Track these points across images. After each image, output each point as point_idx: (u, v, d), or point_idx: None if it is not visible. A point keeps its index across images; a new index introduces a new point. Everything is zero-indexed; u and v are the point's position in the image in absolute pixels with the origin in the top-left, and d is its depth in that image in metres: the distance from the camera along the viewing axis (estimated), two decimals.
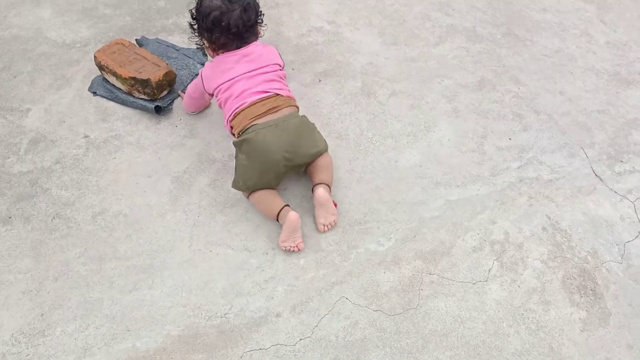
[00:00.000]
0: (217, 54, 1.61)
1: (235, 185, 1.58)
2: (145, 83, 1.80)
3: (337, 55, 2.13)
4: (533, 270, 1.51)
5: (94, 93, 1.91)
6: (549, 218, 1.64)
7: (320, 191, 1.53)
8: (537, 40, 2.27)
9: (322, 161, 1.61)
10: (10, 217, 1.58)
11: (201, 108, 1.85)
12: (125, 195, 1.64)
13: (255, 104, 1.54)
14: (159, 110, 1.83)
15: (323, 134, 1.81)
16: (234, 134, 1.61)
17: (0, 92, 1.92)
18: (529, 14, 2.40)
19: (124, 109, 1.88)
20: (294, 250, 1.52)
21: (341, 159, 1.76)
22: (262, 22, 1.63)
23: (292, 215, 1.48)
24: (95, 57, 1.88)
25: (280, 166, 1.52)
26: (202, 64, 2.01)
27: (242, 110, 1.55)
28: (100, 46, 2.10)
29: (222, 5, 1.51)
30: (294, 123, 1.54)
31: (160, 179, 1.69)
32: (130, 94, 1.86)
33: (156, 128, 1.83)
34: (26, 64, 2.03)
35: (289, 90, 1.62)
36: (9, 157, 1.73)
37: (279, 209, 1.52)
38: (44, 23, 2.20)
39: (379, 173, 1.73)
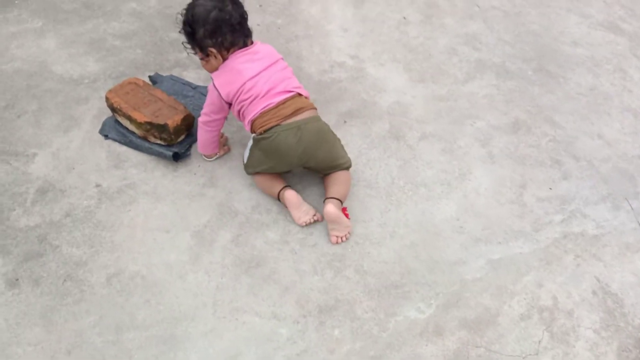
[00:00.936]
0: (225, 59, 1.59)
1: (246, 169, 1.69)
2: (162, 128, 1.71)
3: (362, 93, 2.05)
4: (586, 342, 1.43)
5: (106, 136, 1.82)
6: (598, 280, 1.56)
7: (329, 207, 1.53)
8: (570, 76, 2.20)
9: (338, 175, 1.64)
10: (17, 280, 1.48)
11: (217, 148, 1.76)
12: (142, 254, 1.55)
13: (281, 104, 1.56)
14: (177, 158, 1.74)
15: (351, 182, 1.73)
16: (253, 131, 1.61)
17: (3, 134, 1.83)
18: (560, 48, 2.34)
19: (138, 154, 1.78)
20: (314, 221, 1.60)
21: (372, 210, 1.68)
22: None
23: (289, 194, 1.59)
24: (107, 98, 1.79)
25: (294, 165, 1.62)
26: None
27: (270, 110, 1.56)
28: (110, 82, 2.01)
29: (217, 4, 1.52)
30: (316, 127, 1.59)
31: (179, 234, 1.60)
32: (145, 138, 1.77)
33: (173, 176, 1.74)
34: (31, 101, 1.93)
35: (304, 88, 1.65)
36: (14, 209, 1.63)
37: (278, 190, 1.62)
38: (49, 56, 2.11)
39: (413, 227, 1.65)
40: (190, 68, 2.08)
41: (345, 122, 1.94)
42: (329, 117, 1.94)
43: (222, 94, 1.58)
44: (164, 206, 1.66)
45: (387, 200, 1.71)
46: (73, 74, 2.04)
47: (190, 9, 1.56)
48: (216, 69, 1.62)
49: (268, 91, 1.56)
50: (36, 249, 1.54)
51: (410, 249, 1.60)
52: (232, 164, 1.78)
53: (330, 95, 2.03)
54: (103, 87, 1.98)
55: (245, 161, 1.69)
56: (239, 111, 1.62)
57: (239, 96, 1.58)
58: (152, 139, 1.76)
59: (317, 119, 1.62)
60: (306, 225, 1.61)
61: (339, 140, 1.69)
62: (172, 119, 1.72)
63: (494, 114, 2.01)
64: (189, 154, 1.79)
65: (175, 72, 2.07)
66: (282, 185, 1.63)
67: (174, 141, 1.75)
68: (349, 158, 1.68)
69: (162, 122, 1.70)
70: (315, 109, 1.66)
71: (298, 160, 1.59)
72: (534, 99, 2.09)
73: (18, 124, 1.86)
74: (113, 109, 1.79)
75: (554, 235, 1.66)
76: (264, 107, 1.56)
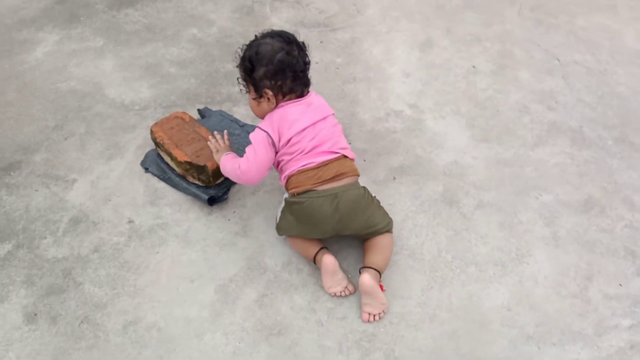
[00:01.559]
0: (277, 106, 1.51)
1: (277, 231, 1.60)
2: (201, 169, 1.66)
3: (417, 148, 1.92)
4: None
5: (146, 169, 1.79)
6: None
7: (365, 278, 1.42)
8: None
9: (379, 241, 1.53)
10: (36, 314, 1.47)
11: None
12: (163, 303, 1.49)
13: (321, 166, 1.48)
14: (212, 202, 1.68)
15: (393, 248, 1.61)
16: (287, 189, 1.53)
17: (48, 155, 1.84)
18: None
19: (175, 192, 1.75)
20: (344, 295, 1.49)
21: (412, 286, 1.55)
22: None
23: (326, 260, 1.46)
24: (152, 131, 1.77)
25: (328, 234, 1.52)
26: None
27: (309, 169, 1.48)
28: (159, 111, 2.00)
29: (284, 46, 1.46)
30: (353, 194, 1.49)
31: (203, 286, 1.53)
32: (183, 177, 1.73)
33: (207, 219, 1.68)
34: (80, 124, 1.94)
35: (350, 149, 1.58)
36: (45, 237, 1.63)
37: (315, 252, 1.51)
38: (105, 77, 2.13)
39: (457, 312, 1.50)
40: (240, 103, 2.03)
41: (394, 178, 1.82)
42: (377, 172, 1.83)
43: (277, 145, 1.49)
44: (192, 252, 1.60)
45: (430, 276, 1.57)
46: (125, 98, 2.04)
47: (254, 45, 1.49)
48: (265, 113, 1.54)
49: (312, 149, 1.48)
50: (59, 284, 1.52)
51: (450, 338, 1.44)
52: (268, 214, 1.70)
53: (382, 146, 1.92)
54: (152, 116, 1.97)
55: (277, 221, 1.60)
56: (278, 163, 1.54)
57: (284, 148, 1.49)
58: (191, 179, 1.71)
59: (355, 185, 1.52)
60: (335, 296, 1.50)
61: (377, 202, 1.58)
62: (212, 161, 1.67)
63: (564, 188, 1.82)
64: (226, 198, 1.73)
65: (226, 107, 2.03)
66: (318, 247, 1.52)
67: (212, 183, 1.70)
68: (389, 220, 1.56)
69: (201, 164, 1.66)
70: (358, 175, 1.56)
71: (332, 229, 1.50)
72: (612, 174, 1.88)
73: (64, 147, 1.87)
74: (156, 143, 1.77)
75: (619, 342, 1.46)
76: (304, 166, 1.48)
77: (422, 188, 1.80)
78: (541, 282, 1.57)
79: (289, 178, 1.52)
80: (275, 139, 1.49)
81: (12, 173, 1.79)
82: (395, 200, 1.75)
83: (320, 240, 1.55)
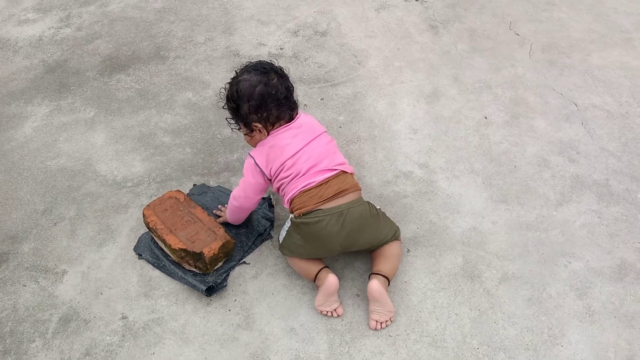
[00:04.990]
0: (269, 134, 1.58)
1: (281, 250, 1.62)
2: (197, 256, 1.57)
3: (431, 214, 1.81)
4: None
5: (139, 255, 1.70)
6: None
7: (374, 284, 1.47)
8: None
9: (387, 249, 1.58)
10: None
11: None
12: None
13: (322, 184, 1.52)
14: (210, 293, 1.58)
15: (412, 335, 1.49)
16: (292, 211, 1.57)
17: (37, 244, 1.76)
18: None
19: (171, 280, 1.65)
20: (330, 316, 1.53)
21: None
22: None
23: (330, 279, 1.49)
24: (144, 215, 1.69)
25: (335, 252, 1.57)
26: (267, 219, 1.77)
27: (309, 189, 1.52)
28: (153, 186, 1.92)
29: (262, 78, 1.53)
30: (359, 211, 1.53)
31: None
32: (179, 264, 1.63)
33: (206, 311, 1.58)
34: (69, 207, 1.87)
35: (348, 164, 1.62)
36: (34, 341, 1.53)
37: (317, 271, 1.54)
38: (96, 152, 2.06)
39: None
40: (239, 173, 1.95)
41: (408, 251, 1.71)
42: None
43: (265, 172, 1.57)
44: (191, 352, 1.49)
45: None
46: (117, 175, 1.97)
47: (234, 84, 1.57)
48: (257, 142, 1.61)
49: (309, 169, 1.53)
50: None
51: None
52: (272, 300, 1.59)
53: (392, 214, 1.81)
54: (145, 193, 1.89)
55: (280, 241, 1.62)
56: (278, 188, 1.59)
57: (279, 173, 1.55)
58: (187, 266, 1.62)
59: (360, 201, 1.56)
60: (322, 314, 1.54)
61: (382, 214, 1.62)
62: (209, 247, 1.58)
63: (595, 252, 1.70)
64: (226, 285, 1.62)
65: (224, 177, 1.95)
66: (320, 266, 1.55)
67: (210, 270, 1.61)
68: (396, 229, 1.62)
69: (197, 251, 1.57)
70: (360, 189, 1.60)
71: (340, 247, 1.54)
72: None
73: (53, 233, 1.79)
74: (149, 228, 1.68)
75: None
76: (304, 186, 1.52)
77: (440, 261, 1.68)
78: None
79: (291, 201, 1.55)
80: (263, 165, 1.56)
81: None
82: (410, 277, 1.64)
83: (321, 260, 1.58)
